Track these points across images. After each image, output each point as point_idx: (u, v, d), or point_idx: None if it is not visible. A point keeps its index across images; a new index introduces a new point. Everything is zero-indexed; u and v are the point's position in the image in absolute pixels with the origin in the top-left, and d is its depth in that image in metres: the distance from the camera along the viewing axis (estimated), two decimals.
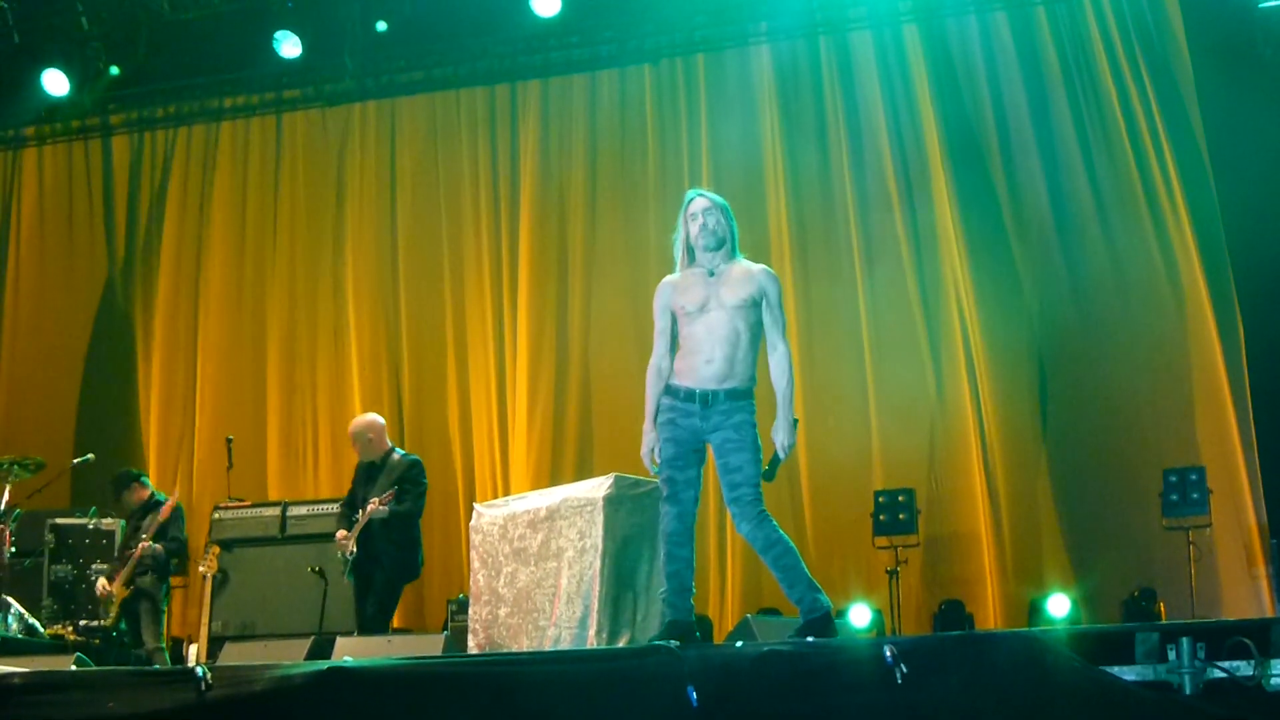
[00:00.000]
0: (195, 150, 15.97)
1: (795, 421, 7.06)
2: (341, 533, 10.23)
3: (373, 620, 10.06)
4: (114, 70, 15.29)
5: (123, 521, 12.73)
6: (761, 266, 7.12)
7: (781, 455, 6.96)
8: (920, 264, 13.34)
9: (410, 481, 10.24)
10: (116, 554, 11.27)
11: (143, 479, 11.53)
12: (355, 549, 10.03)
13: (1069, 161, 13.10)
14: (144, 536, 10.90)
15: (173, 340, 15.55)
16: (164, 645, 10.41)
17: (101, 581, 11.09)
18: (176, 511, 11.07)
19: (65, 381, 15.73)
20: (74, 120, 16.19)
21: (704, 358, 6.91)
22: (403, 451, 10.58)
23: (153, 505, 11.20)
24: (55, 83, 15.00)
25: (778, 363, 7.08)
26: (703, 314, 6.94)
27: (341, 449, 14.61)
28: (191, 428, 15.21)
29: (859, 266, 13.52)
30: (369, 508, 9.95)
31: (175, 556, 10.97)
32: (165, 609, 10.95)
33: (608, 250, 14.38)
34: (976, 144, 13.43)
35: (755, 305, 6.99)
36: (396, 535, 10.13)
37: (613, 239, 14.38)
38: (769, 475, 6.95)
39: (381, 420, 10.68)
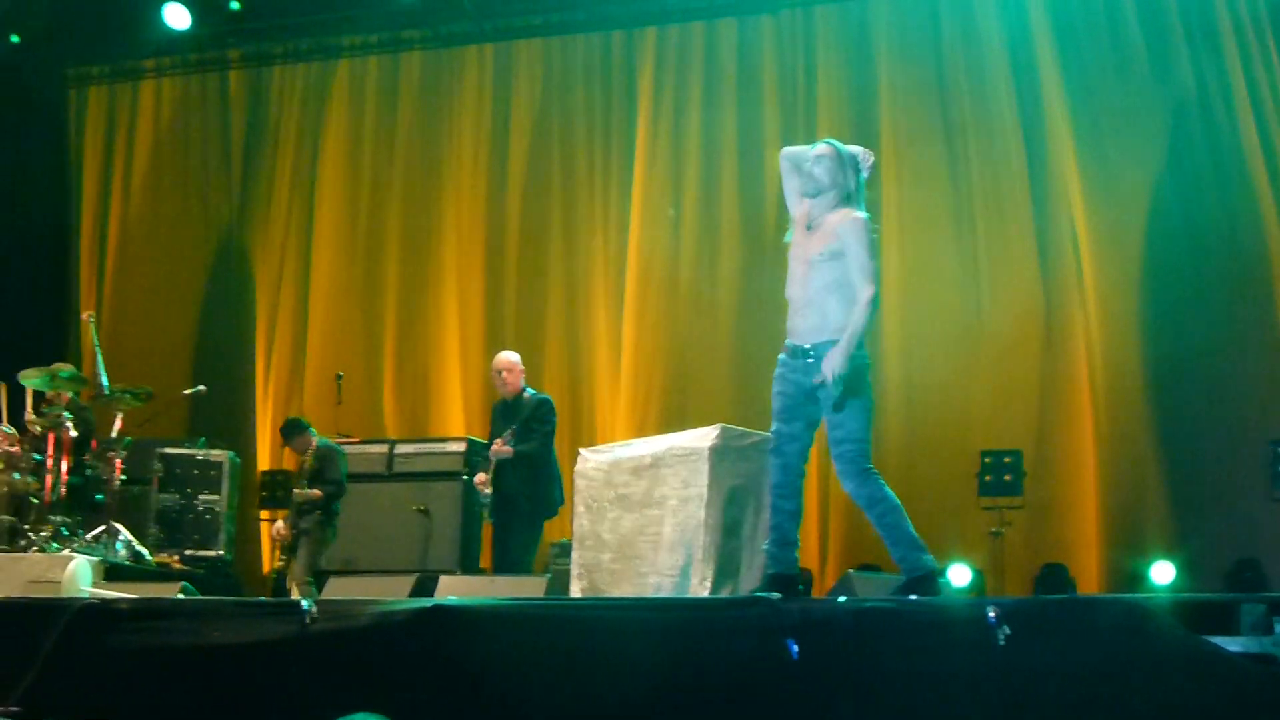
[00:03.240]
0: (312, 88, 16.06)
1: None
2: (480, 476, 10.37)
3: (516, 559, 10.13)
4: (234, 4, 15.42)
5: (231, 454, 12.94)
6: (845, 213, 6.86)
7: (828, 381, 6.73)
8: (1038, 211, 13.26)
9: (536, 420, 10.29)
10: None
11: (309, 427, 11.50)
12: (490, 490, 10.15)
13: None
14: (303, 483, 11.02)
15: (287, 276, 15.69)
16: (311, 579, 10.52)
17: (278, 524, 11.27)
18: (330, 453, 11.14)
19: (180, 313, 15.91)
20: (192, 54, 16.30)
21: (799, 313, 6.86)
22: (533, 391, 10.62)
23: (314, 450, 11.27)
24: (176, 16, 15.17)
25: (854, 299, 6.75)
26: (798, 268, 6.90)
27: (452, 390, 14.72)
28: (304, 364, 15.36)
29: (975, 212, 13.48)
30: (494, 449, 10.11)
31: (334, 498, 11.06)
32: (325, 547, 11.08)
33: (728, 199, 14.29)
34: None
35: (838, 256, 6.79)
36: (525, 474, 10.17)
37: (730, 190, 14.29)
38: (838, 404, 6.80)
39: (517, 357, 10.63)
